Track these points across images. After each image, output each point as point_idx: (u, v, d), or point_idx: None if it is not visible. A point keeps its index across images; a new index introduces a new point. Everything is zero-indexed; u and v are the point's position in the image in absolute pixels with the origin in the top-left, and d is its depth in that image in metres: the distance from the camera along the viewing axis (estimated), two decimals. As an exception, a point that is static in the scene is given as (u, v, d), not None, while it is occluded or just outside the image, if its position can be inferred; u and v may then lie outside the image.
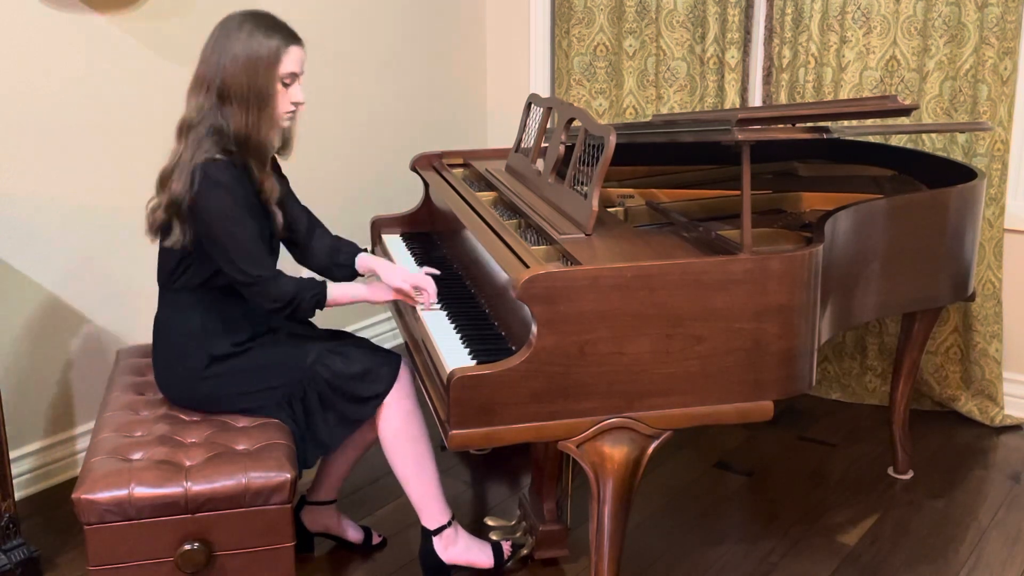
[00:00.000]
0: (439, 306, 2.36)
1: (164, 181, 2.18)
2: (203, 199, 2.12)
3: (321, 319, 2.45)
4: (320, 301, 2.26)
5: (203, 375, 2.26)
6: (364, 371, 2.26)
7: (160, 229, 2.22)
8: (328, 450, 2.32)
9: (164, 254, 2.26)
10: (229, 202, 2.14)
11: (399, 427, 2.29)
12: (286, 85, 2.19)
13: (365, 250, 2.51)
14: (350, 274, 2.47)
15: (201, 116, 2.17)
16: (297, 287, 2.22)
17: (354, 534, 2.62)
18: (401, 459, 2.32)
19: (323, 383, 2.25)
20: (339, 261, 2.47)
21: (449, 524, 2.39)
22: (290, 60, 2.18)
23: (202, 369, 2.25)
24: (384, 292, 2.37)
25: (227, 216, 2.14)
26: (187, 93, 2.22)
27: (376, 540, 2.64)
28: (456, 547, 2.41)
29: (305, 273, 2.50)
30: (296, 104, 2.23)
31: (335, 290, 2.29)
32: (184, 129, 2.19)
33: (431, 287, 2.34)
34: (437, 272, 2.47)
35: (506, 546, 2.48)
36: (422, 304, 2.35)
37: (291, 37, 2.20)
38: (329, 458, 2.53)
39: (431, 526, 2.38)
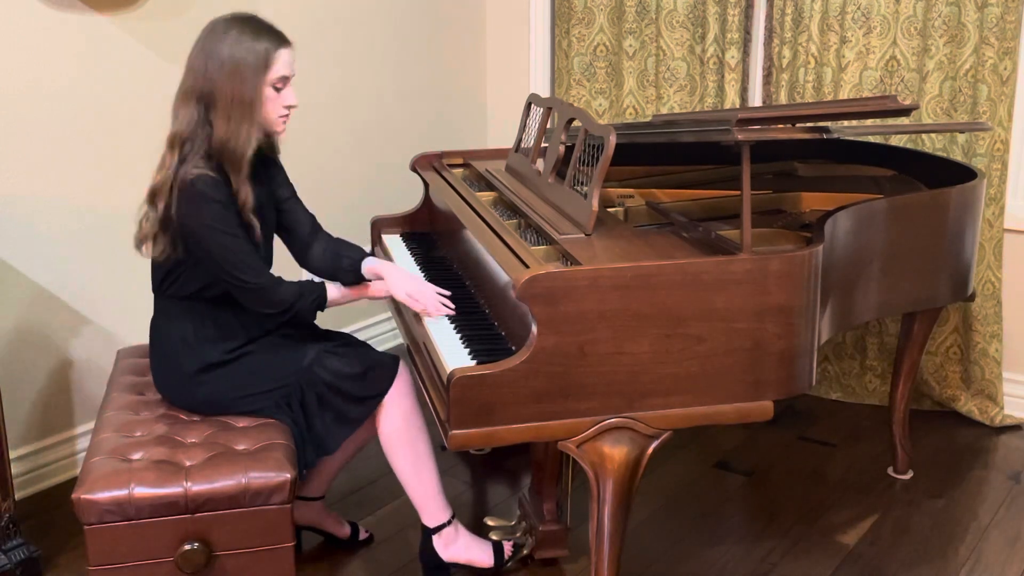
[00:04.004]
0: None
1: (154, 195, 2.14)
2: (192, 213, 2.09)
3: (321, 319, 2.45)
4: (321, 303, 2.27)
5: (199, 380, 2.25)
6: (363, 371, 2.26)
7: (146, 240, 2.19)
8: (329, 451, 2.31)
9: (154, 263, 2.25)
10: (218, 214, 2.11)
11: (399, 426, 2.29)
12: (278, 90, 2.16)
13: (371, 253, 2.47)
14: (355, 279, 2.40)
15: (191, 128, 2.13)
16: (297, 292, 2.22)
17: (342, 529, 2.63)
18: (401, 458, 2.32)
19: (321, 384, 2.25)
20: (344, 266, 2.39)
21: (449, 522, 2.39)
22: (281, 64, 2.14)
23: (198, 375, 2.25)
24: (382, 289, 2.37)
25: (216, 228, 2.11)
26: (174, 105, 2.17)
27: (363, 536, 2.65)
28: (456, 545, 2.41)
29: (305, 275, 2.50)
30: (289, 108, 2.19)
31: (335, 291, 2.29)
32: (175, 143, 2.13)
33: (431, 303, 2.29)
34: (447, 293, 2.36)
35: (507, 546, 2.48)
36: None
37: (280, 39, 2.15)
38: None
39: (431, 524, 2.38)
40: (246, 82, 2.11)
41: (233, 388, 2.26)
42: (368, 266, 2.39)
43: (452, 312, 2.30)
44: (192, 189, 2.08)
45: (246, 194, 2.17)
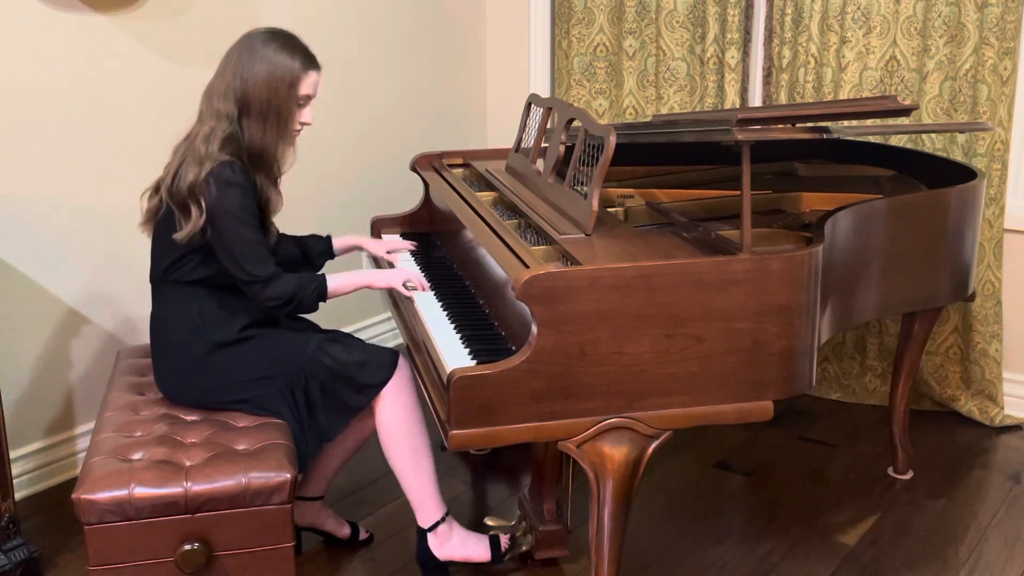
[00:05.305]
0: (432, 293, 2.43)
1: (193, 189, 2.17)
2: (217, 197, 2.16)
3: (320, 318, 2.45)
4: (321, 293, 2.29)
5: (204, 364, 2.27)
6: (365, 359, 2.28)
7: (162, 222, 2.24)
8: (326, 440, 2.33)
9: (164, 248, 2.27)
10: (240, 201, 2.18)
11: (398, 421, 2.30)
12: (300, 106, 2.28)
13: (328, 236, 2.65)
14: (327, 249, 2.62)
15: (225, 128, 2.22)
16: (297, 283, 2.25)
17: (342, 530, 2.63)
18: (398, 453, 2.33)
19: (325, 370, 2.27)
20: (311, 253, 2.60)
21: (443, 520, 2.39)
22: (308, 84, 2.27)
23: (203, 358, 2.27)
24: (383, 278, 2.42)
25: (236, 215, 2.18)
26: (207, 102, 2.26)
27: (363, 536, 2.65)
28: (451, 543, 2.41)
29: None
30: (303, 124, 2.31)
31: (335, 280, 2.31)
32: (212, 138, 2.21)
33: (416, 276, 2.46)
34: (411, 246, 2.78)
35: (504, 538, 2.48)
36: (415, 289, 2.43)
37: (312, 62, 2.28)
38: (322, 454, 2.53)
39: (425, 524, 2.39)
40: (279, 93, 2.23)
41: (238, 372, 2.27)
42: (339, 243, 2.64)
43: (424, 289, 2.45)
44: (218, 172, 2.16)
45: (275, 204, 2.33)
